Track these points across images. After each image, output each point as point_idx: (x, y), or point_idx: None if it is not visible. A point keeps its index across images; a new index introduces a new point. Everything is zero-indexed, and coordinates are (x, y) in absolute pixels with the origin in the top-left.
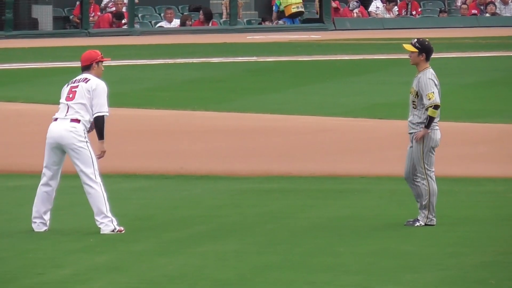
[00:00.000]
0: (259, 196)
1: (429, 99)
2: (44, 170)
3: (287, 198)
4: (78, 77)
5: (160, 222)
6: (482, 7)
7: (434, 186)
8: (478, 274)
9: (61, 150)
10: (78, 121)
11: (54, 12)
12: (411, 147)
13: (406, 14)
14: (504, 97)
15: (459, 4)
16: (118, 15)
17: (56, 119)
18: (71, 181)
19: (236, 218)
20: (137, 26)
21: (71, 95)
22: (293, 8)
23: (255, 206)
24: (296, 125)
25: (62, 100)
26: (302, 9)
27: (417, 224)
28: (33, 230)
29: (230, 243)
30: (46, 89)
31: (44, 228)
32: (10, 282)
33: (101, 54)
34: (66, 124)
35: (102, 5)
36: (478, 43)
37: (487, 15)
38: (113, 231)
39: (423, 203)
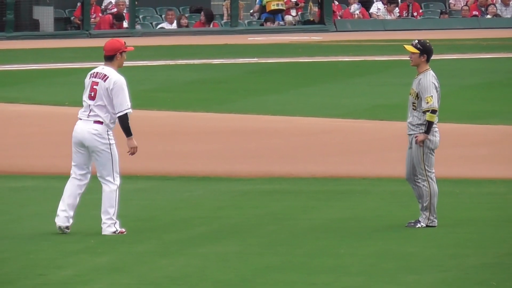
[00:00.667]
0: (260, 197)
1: (427, 102)
2: (73, 169)
3: (288, 200)
4: (99, 70)
5: (161, 223)
6: (483, 9)
7: (434, 187)
8: (480, 276)
9: (86, 149)
10: (101, 122)
11: (55, 13)
12: (410, 148)
13: (407, 16)
14: (505, 99)
15: (452, 1)
16: (118, 17)
17: (80, 119)
18: None
19: (238, 220)
20: (138, 27)
21: (92, 93)
22: (273, 5)
23: (256, 207)
24: (297, 126)
25: (85, 97)
26: (283, 7)
27: (418, 225)
28: (56, 224)
29: (231, 244)
30: (47, 90)
31: (67, 224)
32: (11, 283)
33: (124, 44)
34: (89, 126)
35: (103, 6)
36: (479, 44)
37: (488, 16)
38: (114, 232)
39: (424, 204)
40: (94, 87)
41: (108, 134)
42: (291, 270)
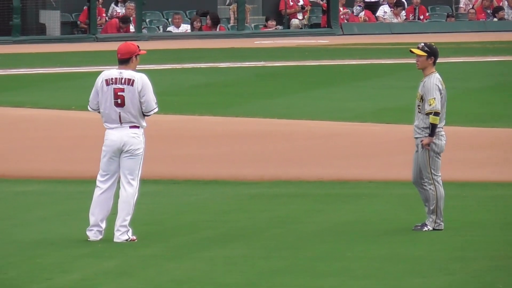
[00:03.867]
0: (267, 201)
1: (430, 104)
2: (100, 177)
3: (295, 203)
4: (117, 75)
5: (168, 227)
6: (489, 11)
7: (441, 190)
8: (486, 279)
9: (119, 156)
10: (137, 127)
11: (61, 17)
12: (417, 151)
13: (413, 19)
14: (511, 102)
15: (462, 5)
16: (124, 19)
17: (112, 128)
18: (79, 186)
19: (244, 223)
20: (144, 31)
21: (119, 101)
22: None
23: (263, 211)
24: (303, 130)
25: (109, 104)
26: None
27: (425, 228)
28: (88, 238)
29: (238, 248)
30: (53, 94)
31: (99, 237)
32: (18, 287)
33: (138, 47)
34: (127, 131)
35: (109, 14)
36: (486, 47)
37: (495, 19)
38: (126, 240)
39: (431, 207)
40: (120, 93)
41: (143, 137)
42: (297, 274)
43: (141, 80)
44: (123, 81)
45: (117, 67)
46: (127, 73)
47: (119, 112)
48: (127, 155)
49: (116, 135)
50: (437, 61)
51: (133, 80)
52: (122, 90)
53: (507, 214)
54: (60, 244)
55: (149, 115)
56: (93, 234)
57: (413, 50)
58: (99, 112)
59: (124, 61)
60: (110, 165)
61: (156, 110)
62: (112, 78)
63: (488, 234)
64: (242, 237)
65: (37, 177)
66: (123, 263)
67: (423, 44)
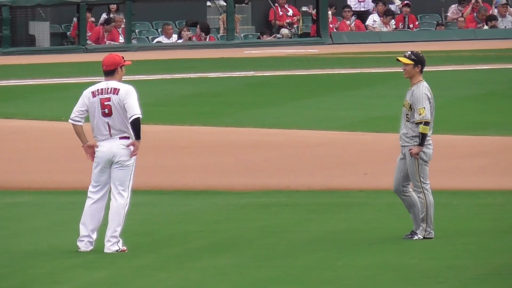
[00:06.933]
0: (257, 210)
1: (420, 114)
2: (92, 188)
3: (286, 212)
4: (103, 86)
5: (159, 238)
6: (478, 20)
7: (430, 198)
8: (478, 287)
9: (109, 167)
10: (127, 138)
11: (51, 29)
12: (402, 159)
13: (403, 27)
14: (502, 110)
15: (449, 14)
16: (107, 20)
17: (102, 140)
18: (69, 197)
19: (235, 233)
20: (134, 41)
21: (106, 110)
22: None
23: (253, 220)
24: (294, 139)
25: (96, 115)
26: None
27: (416, 237)
28: (79, 249)
29: (229, 257)
30: (43, 105)
31: (90, 248)
32: None
33: (123, 58)
34: (117, 142)
35: (99, 23)
36: (476, 55)
37: (486, 27)
38: (116, 251)
39: (421, 216)
40: (106, 103)
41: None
42: (289, 283)
43: (126, 88)
44: (108, 90)
45: (103, 79)
46: (112, 83)
47: (107, 122)
48: (117, 166)
49: (106, 147)
50: (427, 69)
51: (118, 89)
52: (108, 99)
53: (498, 222)
54: (51, 255)
55: (133, 121)
56: (84, 245)
57: (399, 58)
58: (79, 123)
59: (109, 72)
60: (101, 176)
61: (139, 116)
62: (98, 89)
63: (479, 243)
64: (233, 246)
65: (27, 188)
66: (114, 274)
67: (409, 52)
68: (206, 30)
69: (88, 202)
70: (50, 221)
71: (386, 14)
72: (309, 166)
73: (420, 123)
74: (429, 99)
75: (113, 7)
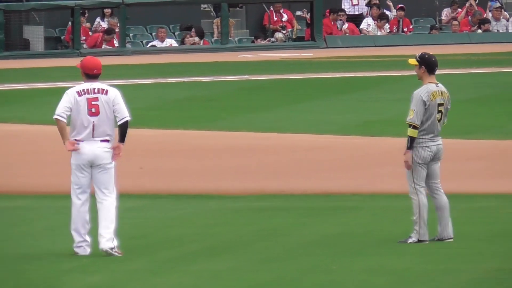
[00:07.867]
0: (252, 214)
1: (409, 116)
2: (79, 195)
3: (280, 216)
4: (88, 86)
5: (153, 241)
6: (472, 23)
7: (424, 200)
8: None
9: (90, 170)
10: (107, 140)
11: (45, 33)
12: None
13: (397, 31)
14: (496, 113)
15: (443, 17)
16: (109, 31)
17: (82, 140)
18: (63, 202)
19: (230, 237)
20: (128, 45)
21: (93, 110)
22: None
23: (248, 224)
24: (288, 143)
25: (83, 114)
26: None
27: (410, 240)
28: (77, 254)
29: (224, 261)
30: (38, 109)
31: (89, 251)
32: None
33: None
34: (98, 145)
35: (93, 28)
36: (470, 59)
37: (480, 31)
38: (111, 249)
39: (413, 218)
40: (94, 103)
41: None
42: (283, 287)
43: (114, 90)
44: (95, 90)
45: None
46: (97, 84)
47: (93, 122)
48: (100, 170)
49: (87, 148)
50: (434, 70)
51: (107, 90)
52: (96, 99)
53: (492, 226)
54: (46, 259)
55: (123, 123)
56: (82, 250)
57: (409, 60)
58: (64, 119)
59: (97, 76)
60: (83, 178)
61: (129, 118)
62: (84, 89)
63: (475, 246)
64: (228, 250)
65: (23, 192)
66: (109, 278)
67: (418, 54)
68: (201, 34)
69: (75, 206)
70: (45, 225)
71: (381, 18)
72: (304, 170)
73: (409, 126)
74: (425, 103)
75: (108, 11)
